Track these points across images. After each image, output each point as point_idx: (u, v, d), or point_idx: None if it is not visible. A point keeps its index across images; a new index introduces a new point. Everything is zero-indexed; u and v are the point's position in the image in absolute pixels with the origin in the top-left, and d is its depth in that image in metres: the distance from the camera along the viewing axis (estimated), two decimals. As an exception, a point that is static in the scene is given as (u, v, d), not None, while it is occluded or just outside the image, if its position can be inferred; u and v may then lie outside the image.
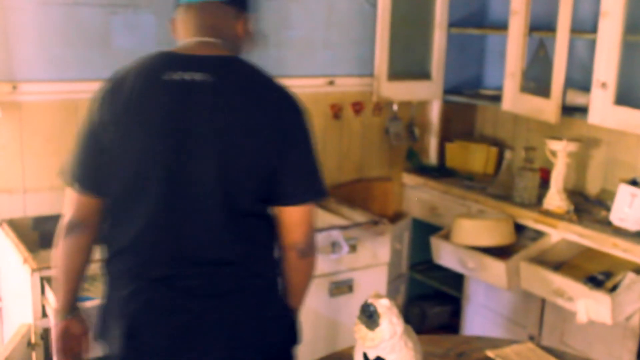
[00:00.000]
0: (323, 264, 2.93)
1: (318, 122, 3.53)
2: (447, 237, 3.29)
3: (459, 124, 4.05)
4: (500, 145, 3.84)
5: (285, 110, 1.81)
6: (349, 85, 3.62)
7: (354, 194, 3.66)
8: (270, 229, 1.87)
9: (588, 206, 3.30)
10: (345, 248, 2.96)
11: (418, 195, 3.79)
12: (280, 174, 1.80)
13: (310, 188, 1.86)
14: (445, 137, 3.96)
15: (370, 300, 1.75)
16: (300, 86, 3.49)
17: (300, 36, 3.47)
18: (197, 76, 1.76)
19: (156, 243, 1.79)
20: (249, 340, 1.82)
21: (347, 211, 3.29)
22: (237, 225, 1.79)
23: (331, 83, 3.56)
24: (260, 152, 1.76)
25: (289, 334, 1.95)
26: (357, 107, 3.65)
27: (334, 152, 3.63)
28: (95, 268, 1.97)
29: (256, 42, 2.00)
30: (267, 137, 1.76)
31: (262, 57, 3.15)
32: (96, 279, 2.40)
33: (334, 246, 2.95)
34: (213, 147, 1.74)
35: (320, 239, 2.90)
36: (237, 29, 1.89)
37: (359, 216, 3.21)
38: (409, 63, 3.78)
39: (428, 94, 3.81)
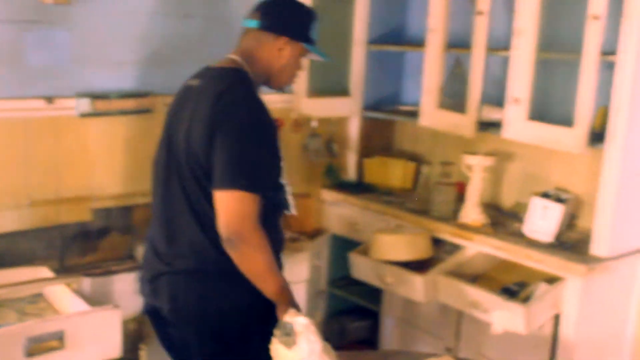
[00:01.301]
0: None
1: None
2: (366, 252, 3.32)
3: (378, 139, 4.10)
4: (419, 160, 3.91)
5: (226, 102, 2.03)
6: (268, 102, 3.57)
7: (274, 210, 3.64)
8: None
9: (503, 219, 3.39)
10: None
11: (337, 211, 3.82)
12: (213, 159, 2.02)
13: (230, 175, 1.98)
14: (364, 152, 4.01)
15: (287, 319, 1.75)
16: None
17: (219, 53, 3.46)
18: (195, 82, 2.18)
19: (155, 224, 2.25)
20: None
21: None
22: (195, 211, 2.09)
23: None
24: (200, 137, 2.04)
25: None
26: (277, 124, 3.64)
27: (254, 168, 3.61)
28: None
29: (300, 67, 2.30)
30: (205, 125, 2.03)
31: (177, 74, 3.13)
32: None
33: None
34: (184, 135, 2.10)
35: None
36: (270, 52, 2.20)
37: (278, 232, 3.20)
38: (328, 80, 3.81)
39: (347, 110, 3.86)
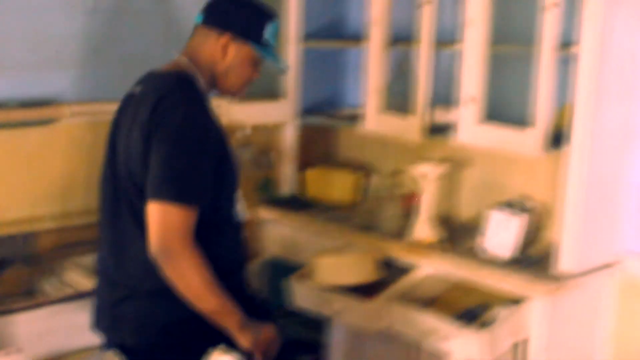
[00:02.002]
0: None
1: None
2: (307, 277, 3.29)
3: (319, 148, 4.09)
4: (365, 170, 3.90)
5: (163, 108, 2.08)
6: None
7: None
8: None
9: (460, 234, 3.41)
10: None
11: (274, 230, 3.79)
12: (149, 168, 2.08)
13: (159, 185, 2.04)
14: (304, 163, 3.99)
15: (215, 357, 1.71)
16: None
17: (134, 52, 3.41)
18: (137, 89, 2.24)
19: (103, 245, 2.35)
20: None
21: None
22: (138, 222, 2.14)
23: (170, 105, 3.50)
24: (137, 145, 2.11)
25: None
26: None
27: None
28: None
29: (248, 66, 2.30)
30: (143, 132, 2.10)
31: (85, 78, 3.08)
32: None
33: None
34: (124, 146, 2.17)
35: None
36: (214, 50, 2.24)
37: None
38: (260, 81, 3.75)
39: (283, 116, 3.83)
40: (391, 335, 3.22)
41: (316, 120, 3.91)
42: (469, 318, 2.95)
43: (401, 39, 3.49)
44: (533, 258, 3.08)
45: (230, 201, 2.28)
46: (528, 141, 2.93)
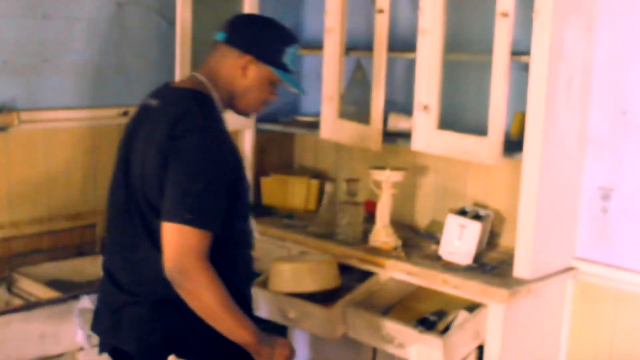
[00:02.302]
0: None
1: (109, 160, 3.42)
2: (264, 284, 3.27)
3: (276, 155, 4.08)
4: (322, 178, 3.90)
5: (181, 130, 2.09)
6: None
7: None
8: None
9: (418, 240, 3.42)
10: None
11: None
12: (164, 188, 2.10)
13: (175, 208, 2.05)
14: (261, 170, 3.97)
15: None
16: (89, 118, 3.40)
17: (86, 60, 3.38)
18: (154, 102, 2.24)
19: (111, 252, 2.35)
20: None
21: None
22: (148, 232, 2.16)
23: (125, 114, 3.47)
24: (155, 163, 2.11)
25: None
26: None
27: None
28: None
29: (268, 90, 2.32)
30: (160, 153, 2.10)
31: (36, 85, 3.04)
32: None
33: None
34: (139, 160, 2.17)
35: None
36: (234, 70, 2.24)
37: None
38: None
39: (238, 123, 3.78)
40: (350, 342, 3.22)
41: (273, 127, 3.90)
42: (426, 324, 2.96)
43: (357, 46, 3.49)
44: (490, 264, 3.10)
45: (242, 220, 2.30)
46: (483, 148, 2.94)
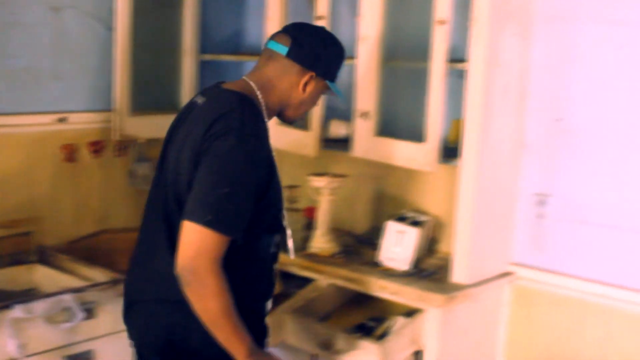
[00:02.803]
0: (54, 335, 2.81)
1: (46, 167, 3.39)
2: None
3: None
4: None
5: (217, 130, 2.07)
6: (84, 123, 3.51)
7: (97, 249, 3.53)
8: None
9: (358, 247, 3.42)
10: (80, 315, 2.83)
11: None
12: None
13: (198, 208, 2.03)
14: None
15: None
16: (22, 125, 3.35)
17: (22, 66, 3.32)
18: (200, 100, 2.24)
19: (136, 247, 2.36)
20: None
21: (85, 270, 3.16)
22: (172, 232, 2.14)
23: (62, 120, 3.43)
24: (188, 162, 2.11)
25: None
26: (96, 148, 3.55)
27: (69, 201, 3.50)
28: None
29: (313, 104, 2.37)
30: (194, 151, 2.10)
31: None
32: None
33: (66, 313, 2.82)
34: (175, 157, 2.18)
35: (50, 305, 2.81)
36: (294, 84, 2.26)
37: (98, 275, 3.09)
38: (156, 95, 3.74)
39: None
40: (289, 349, 3.21)
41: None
42: (364, 330, 2.97)
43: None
44: (428, 270, 3.11)
45: (271, 233, 2.30)
46: (420, 155, 2.96)
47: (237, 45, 4.02)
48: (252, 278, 2.25)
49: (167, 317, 2.20)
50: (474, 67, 2.84)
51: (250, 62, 3.98)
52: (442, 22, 2.83)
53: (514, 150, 3.10)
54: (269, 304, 2.38)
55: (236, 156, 2.07)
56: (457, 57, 2.98)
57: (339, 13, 3.46)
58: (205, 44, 3.86)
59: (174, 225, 2.13)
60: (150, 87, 3.68)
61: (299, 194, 3.41)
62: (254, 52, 3.80)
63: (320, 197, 3.29)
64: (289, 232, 2.39)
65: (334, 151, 3.40)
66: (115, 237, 3.63)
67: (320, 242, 3.28)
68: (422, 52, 2.96)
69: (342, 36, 3.36)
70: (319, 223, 3.30)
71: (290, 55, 2.25)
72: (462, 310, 2.99)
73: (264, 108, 2.25)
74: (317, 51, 2.29)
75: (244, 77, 2.30)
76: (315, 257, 3.25)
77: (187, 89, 3.76)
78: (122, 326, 3.00)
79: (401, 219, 3.22)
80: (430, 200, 3.45)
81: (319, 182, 3.26)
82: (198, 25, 3.76)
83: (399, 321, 2.95)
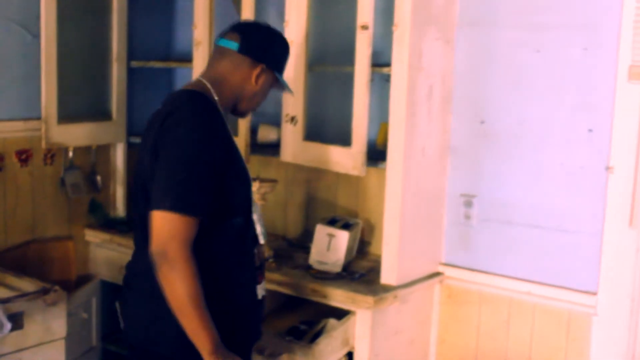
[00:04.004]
0: (-20, 347, 2.75)
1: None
2: (136, 299, 3.23)
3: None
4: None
5: (170, 122, 2.16)
6: (11, 131, 3.46)
7: (26, 259, 3.49)
8: None
9: (290, 250, 3.44)
10: (7, 325, 2.80)
11: (105, 253, 3.71)
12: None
13: (161, 195, 2.11)
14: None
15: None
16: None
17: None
18: (161, 106, 2.30)
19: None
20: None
21: (13, 280, 3.12)
22: (145, 229, 2.19)
23: (-12, 129, 3.38)
24: (148, 158, 2.20)
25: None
26: (24, 156, 3.50)
27: (-4, 210, 3.45)
28: None
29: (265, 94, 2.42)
30: (153, 147, 2.18)
31: None
32: None
33: (-6, 324, 2.79)
34: (141, 157, 2.27)
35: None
36: (246, 77, 2.34)
37: (26, 285, 3.06)
38: (84, 102, 3.70)
39: (109, 137, 3.76)
40: (222, 355, 3.21)
41: (145, 140, 3.85)
42: (296, 334, 2.98)
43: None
44: (358, 272, 3.14)
45: (241, 215, 2.32)
46: (347, 159, 2.99)
47: (166, 52, 4.01)
48: (232, 262, 2.29)
49: (148, 308, 2.27)
50: (397, 71, 2.88)
51: (180, 69, 3.98)
52: (364, 27, 2.86)
53: (440, 153, 3.15)
54: (260, 290, 2.41)
55: (189, 141, 2.15)
56: (382, 62, 3.02)
57: (265, 18, 3.47)
58: (135, 51, 3.84)
59: (145, 220, 2.20)
60: (79, 95, 3.64)
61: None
62: (184, 58, 3.79)
63: (251, 202, 3.29)
64: (255, 216, 2.41)
65: (263, 156, 3.41)
66: (45, 247, 3.59)
67: (252, 247, 3.28)
68: (347, 56, 2.99)
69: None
70: (251, 228, 3.30)
71: (241, 50, 2.34)
72: (393, 311, 3.03)
73: (217, 103, 2.31)
74: (266, 45, 2.39)
75: (197, 77, 2.39)
76: (247, 262, 3.25)
77: (116, 96, 3.74)
78: (52, 336, 3.02)
79: (332, 222, 3.24)
80: (361, 203, 3.48)
81: (249, 187, 3.27)
82: (126, 32, 3.74)
83: (330, 324, 2.97)
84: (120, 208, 3.90)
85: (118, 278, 3.62)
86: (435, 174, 3.15)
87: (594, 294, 2.91)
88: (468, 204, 3.18)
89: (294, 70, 3.12)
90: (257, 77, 2.36)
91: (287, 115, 3.16)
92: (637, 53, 2.72)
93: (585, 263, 2.93)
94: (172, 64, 3.91)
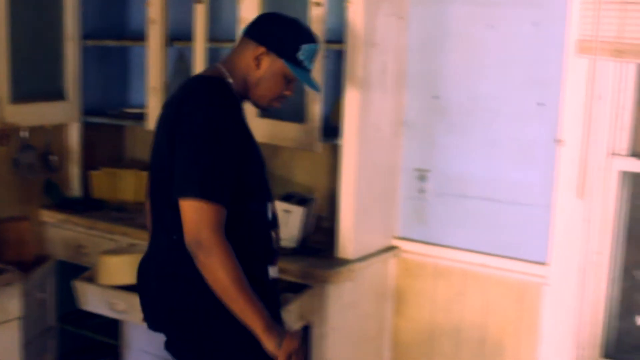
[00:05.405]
0: None
1: None
2: (93, 278, 3.21)
3: (106, 148, 4.01)
4: (153, 169, 3.85)
5: (186, 109, 2.16)
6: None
7: (-19, 240, 3.44)
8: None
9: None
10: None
11: (61, 233, 3.68)
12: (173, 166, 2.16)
13: (185, 183, 2.11)
14: (91, 164, 3.89)
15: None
16: None
17: None
18: (175, 91, 2.31)
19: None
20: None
21: (-32, 261, 3.08)
22: (161, 215, 2.27)
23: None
24: (165, 145, 2.19)
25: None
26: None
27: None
28: None
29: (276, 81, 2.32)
30: (169, 133, 2.17)
31: None
32: None
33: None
34: (157, 144, 2.28)
35: None
36: (249, 60, 2.29)
37: (-19, 265, 3.03)
38: (38, 82, 3.65)
39: (64, 117, 3.72)
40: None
41: (100, 120, 3.82)
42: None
43: (179, 37, 3.47)
44: (315, 247, 3.16)
45: (258, 201, 2.33)
46: (302, 135, 3.00)
47: (120, 31, 3.97)
48: (251, 248, 2.27)
49: (166, 291, 2.28)
50: (351, 47, 2.88)
51: (134, 47, 3.94)
52: (318, 4, 2.86)
53: (394, 128, 3.17)
54: (272, 271, 2.38)
55: (209, 128, 2.13)
56: (336, 39, 3.02)
57: (220, -2, 3.46)
58: (88, 30, 3.79)
59: (163, 209, 2.25)
60: (33, 74, 3.58)
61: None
62: (138, 37, 3.75)
63: (207, 180, 3.28)
64: (271, 199, 2.41)
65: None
66: (1, 227, 3.54)
67: (209, 224, 3.27)
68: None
69: (224, 21, 3.40)
70: (207, 205, 3.29)
71: (246, 33, 2.34)
72: (349, 285, 3.05)
73: (232, 86, 2.29)
74: (269, 27, 2.34)
75: (216, 64, 2.36)
76: (204, 239, 3.24)
77: (70, 76, 3.69)
78: (7, 317, 2.99)
79: (287, 197, 3.25)
80: (318, 179, 3.49)
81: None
82: (79, 11, 3.69)
83: (286, 298, 2.98)
84: (75, 188, 3.86)
85: (75, 258, 3.64)
86: (389, 149, 3.17)
87: (546, 264, 2.96)
88: (422, 178, 3.21)
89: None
90: (257, 59, 2.29)
91: (245, 92, 3.14)
92: (584, 27, 2.76)
93: (537, 234, 2.98)
94: (127, 43, 3.87)
